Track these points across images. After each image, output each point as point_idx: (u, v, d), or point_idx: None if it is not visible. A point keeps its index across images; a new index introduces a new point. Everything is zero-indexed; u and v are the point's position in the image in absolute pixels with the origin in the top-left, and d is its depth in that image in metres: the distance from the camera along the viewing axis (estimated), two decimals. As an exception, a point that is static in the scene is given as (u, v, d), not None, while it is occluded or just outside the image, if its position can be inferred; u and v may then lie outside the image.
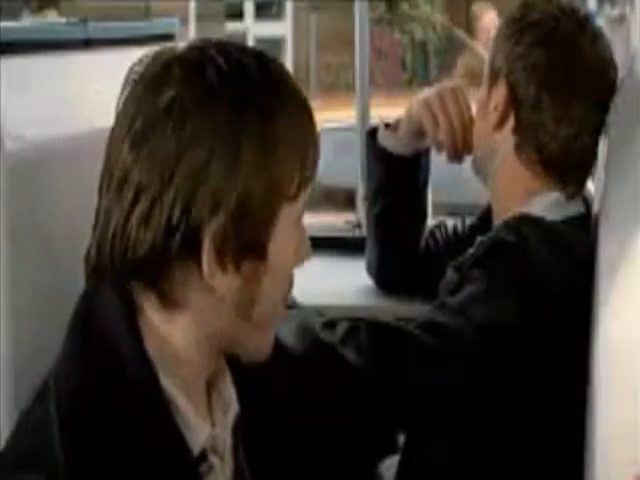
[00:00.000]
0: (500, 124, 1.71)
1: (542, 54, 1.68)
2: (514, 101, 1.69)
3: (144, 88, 1.10)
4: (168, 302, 1.10)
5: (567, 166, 1.69)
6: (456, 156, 1.85)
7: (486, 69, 1.75)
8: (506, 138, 1.71)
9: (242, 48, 1.13)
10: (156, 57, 1.12)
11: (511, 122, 1.70)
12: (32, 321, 1.25)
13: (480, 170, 1.79)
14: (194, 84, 1.08)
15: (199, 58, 1.10)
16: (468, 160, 1.85)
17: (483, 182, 1.79)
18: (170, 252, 1.07)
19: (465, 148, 1.84)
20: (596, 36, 1.70)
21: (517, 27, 1.71)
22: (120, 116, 1.11)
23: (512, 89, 1.69)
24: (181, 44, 1.13)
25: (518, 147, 1.70)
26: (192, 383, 1.15)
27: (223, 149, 1.07)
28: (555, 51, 1.68)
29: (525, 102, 1.69)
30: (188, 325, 1.12)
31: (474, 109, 1.82)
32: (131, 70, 1.13)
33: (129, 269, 1.09)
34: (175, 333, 1.12)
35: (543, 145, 1.68)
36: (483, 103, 1.75)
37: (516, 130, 1.70)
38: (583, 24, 1.70)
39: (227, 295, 1.11)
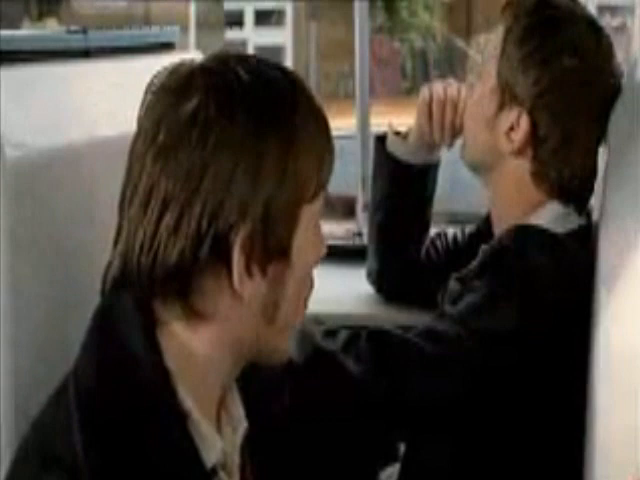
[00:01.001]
0: (516, 153, 1.66)
1: (567, 95, 1.62)
2: (534, 137, 1.64)
3: (166, 98, 1.10)
4: (193, 313, 1.11)
5: (583, 191, 1.68)
6: (442, 138, 1.86)
7: (491, 81, 1.67)
8: (520, 163, 1.66)
9: (261, 60, 1.14)
10: (177, 67, 1.13)
11: (529, 152, 1.65)
12: (32, 328, 1.25)
13: (478, 171, 1.75)
14: (217, 93, 1.08)
15: (221, 68, 1.11)
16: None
17: (480, 179, 1.77)
18: (199, 262, 1.08)
19: (453, 135, 1.84)
20: (614, 60, 1.66)
21: (537, 59, 1.62)
22: (142, 127, 1.11)
23: (533, 126, 1.63)
24: (200, 56, 1.14)
25: (534, 173, 1.66)
26: (208, 398, 1.15)
27: (248, 158, 1.07)
28: (580, 92, 1.63)
29: (548, 141, 1.63)
30: (212, 335, 1.12)
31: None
32: (151, 81, 1.13)
33: (157, 280, 1.09)
34: (197, 344, 1.12)
35: (565, 178, 1.64)
36: (490, 115, 1.67)
37: (534, 160, 1.65)
38: (606, 54, 1.66)
39: (253, 300, 1.11)
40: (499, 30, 1.67)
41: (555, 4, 1.67)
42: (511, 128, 1.65)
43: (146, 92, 1.13)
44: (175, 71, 1.12)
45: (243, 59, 1.13)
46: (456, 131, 1.84)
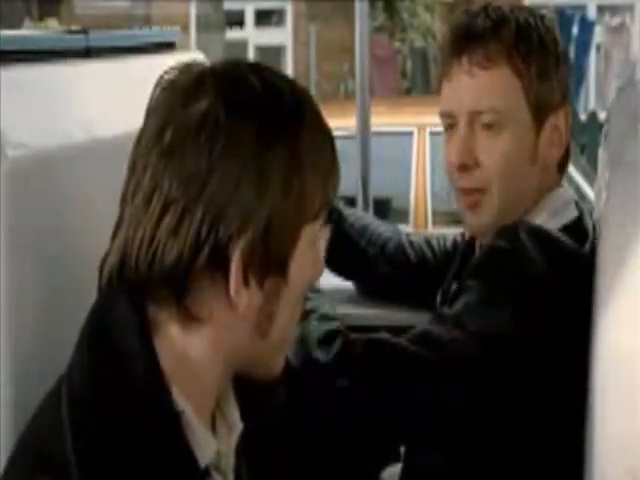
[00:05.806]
0: (560, 151, 1.68)
1: (560, 78, 1.66)
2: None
3: (175, 96, 1.10)
4: (188, 317, 1.10)
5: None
6: None
7: (521, 119, 1.63)
8: (550, 163, 1.67)
9: (272, 70, 1.14)
10: (188, 67, 1.12)
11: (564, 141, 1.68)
12: (32, 327, 1.25)
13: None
14: (228, 98, 1.08)
15: (233, 73, 1.11)
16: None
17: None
18: (196, 266, 1.07)
19: None
20: None
21: (546, 60, 1.64)
22: (148, 123, 1.11)
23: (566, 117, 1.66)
24: (201, 56, 1.14)
25: (561, 160, 1.68)
26: (202, 399, 1.14)
27: (253, 168, 1.07)
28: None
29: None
30: (207, 339, 1.12)
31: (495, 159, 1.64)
32: (161, 78, 1.13)
33: (154, 280, 1.08)
34: (192, 349, 1.12)
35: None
36: (532, 147, 1.64)
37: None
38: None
39: (248, 313, 1.11)
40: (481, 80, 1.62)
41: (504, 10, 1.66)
42: (555, 131, 1.65)
43: (155, 88, 1.12)
44: (186, 70, 1.12)
45: (255, 67, 1.13)
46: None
